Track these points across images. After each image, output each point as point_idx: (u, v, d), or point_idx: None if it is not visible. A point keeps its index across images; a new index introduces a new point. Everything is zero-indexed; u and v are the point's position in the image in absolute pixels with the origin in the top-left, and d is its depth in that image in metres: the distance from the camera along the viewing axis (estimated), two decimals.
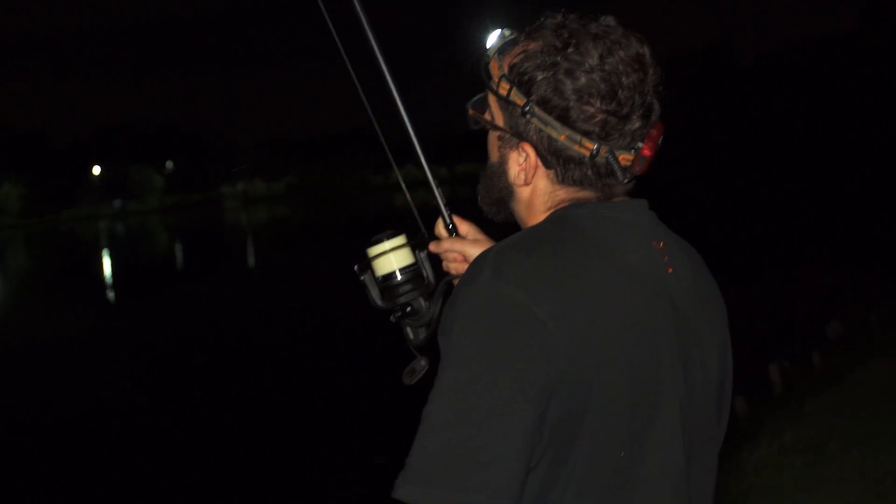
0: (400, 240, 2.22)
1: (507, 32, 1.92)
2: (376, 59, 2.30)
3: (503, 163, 1.93)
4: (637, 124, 1.79)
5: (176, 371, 16.71)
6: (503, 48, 1.90)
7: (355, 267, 2.25)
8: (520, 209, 1.96)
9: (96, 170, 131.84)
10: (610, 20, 1.81)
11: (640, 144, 1.82)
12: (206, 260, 44.55)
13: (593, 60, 1.75)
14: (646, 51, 1.80)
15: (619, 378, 1.68)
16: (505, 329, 1.62)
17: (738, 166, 65.87)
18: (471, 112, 2.00)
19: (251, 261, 43.45)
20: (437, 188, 2.31)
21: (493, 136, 1.96)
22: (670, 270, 1.84)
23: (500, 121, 1.91)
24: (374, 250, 2.22)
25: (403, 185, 2.49)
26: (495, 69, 1.88)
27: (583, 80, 1.75)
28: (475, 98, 2.00)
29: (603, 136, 1.78)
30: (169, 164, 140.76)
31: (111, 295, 32.20)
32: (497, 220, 2.05)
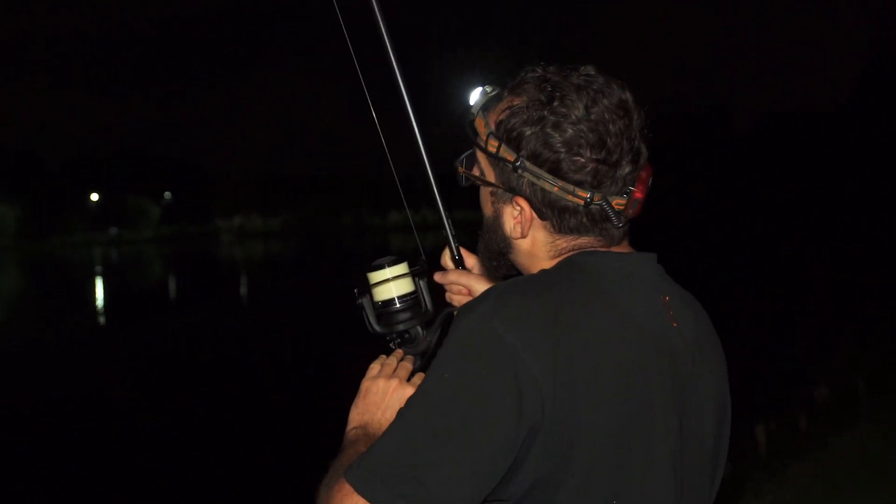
0: (401, 267, 2.22)
1: (488, 89, 1.94)
2: (404, 104, 2.29)
3: (498, 217, 1.95)
4: (627, 169, 1.82)
5: (159, 392, 16.65)
6: (486, 105, 1.92)
7: (355, 290, 2.25)
8: (521, 260, 1.98)
9: (94, 196, 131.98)
10: (590, 69, 1.84)
11: (632, 188, 1.85)
12: (198, 290, 44.47)
13: (579, 112, 1.77)
14: (628, 96, 1.83)
15: (607, 425, 1.69)
16: (487, 366, 1.64)
17: (732, 228, 65.90)
18: (460, 170, 2.03)
19: (243, 292, 43.43)
20: (447, 218, 2.30)
21: (485, 192, 1.99)
22: (674, 325, 1.86)
23: (490, 176, 1.93)
24: (374, 276, 2.22)
25: (409, 213, 2.47)
26: (481, 126, 1.91)
27: (570, 131, 1.77)
28: (463, 155, 2.03)
29: (595, 185, 1.80)
30: (167, 195, 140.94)
31: (102, 319, 32.08)
32: (498, 274, 2.09)
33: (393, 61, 2.27)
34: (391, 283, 2.21)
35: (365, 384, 2.12)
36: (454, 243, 2.29)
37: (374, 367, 2.14)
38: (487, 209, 1.99)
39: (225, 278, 52.01)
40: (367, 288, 2.23)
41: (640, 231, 2.04)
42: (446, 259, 2.31)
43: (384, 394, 2.07)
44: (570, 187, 1.81)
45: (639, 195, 1.86)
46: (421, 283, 2.27)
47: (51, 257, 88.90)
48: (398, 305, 2.20)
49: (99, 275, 60.89)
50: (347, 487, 1.64)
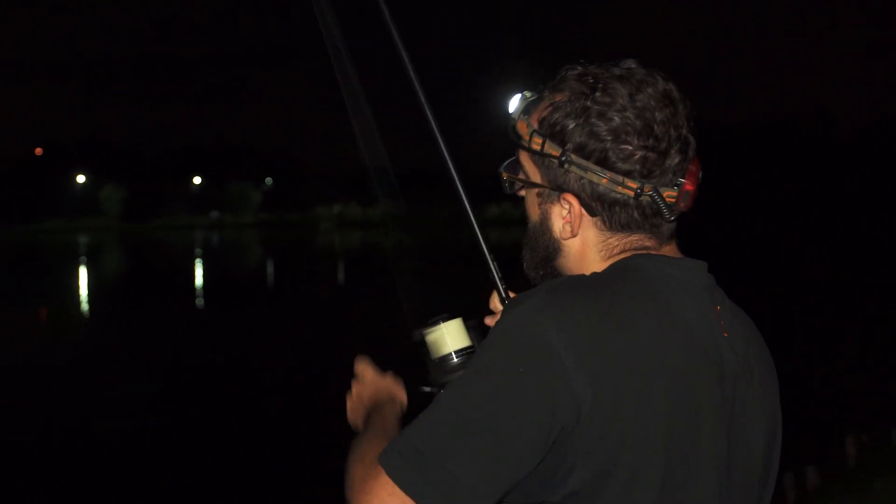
0: (456, 324, 2.19)
1: (527, 94, 1.89)
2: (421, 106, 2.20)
3: (546, 219, 1.89)
4: (676, 159, 1.76)
5: (252, 378, 16.84)
6: (527, 108, 1.86)
7: (416, 342, 2.24)
8: (570, 264, 1.90)
9: (196, 180, 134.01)
10: (631, 63, 1.79)
11: (682, 180, 1.79)
12: (294, 277, 44.76)
13: (623, 100, 1.73)
14: (672, 87, 1.78)
15: (653, 432, 1.64)
16: (525, 362, 1.61)
17: (837, 236, 64.74)
18: (504, 175, 1.96)
19: (339, 279, 43.65)
20: (493, 262, 2.16)
21: (531, 196, 1.92)
22: (725, 335, 1.79)
23: (536, 178, 1.87)
24: (430, 335, 2.20)
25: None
26: (524, 128, 1.84)
27: (616, 119, 1.72)
28: (507, 162, 1.96)
29: (645, 174, 1.75)
30: (268, 181, 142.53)
31: (200, 302, 32.50)
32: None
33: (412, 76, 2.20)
34: (447, 338, 2.18)
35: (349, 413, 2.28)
36: (502, 286, 2.17)
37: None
38: (534, 213, 1.92)
39: (321, 266, 52.26)
40: (425, 344, 2.22)
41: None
42: (495, 302, 2.19)
43: (356, 399, 2.28)
44: (619, 178, 1.74)
45: (690, 187, 1.80)
46: (478, 337, 2.19)
47: (151, 239, 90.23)
48: (455, 360, 2.16)
49: (199, 258, 61.58)
50: (378, 469, 1.65)
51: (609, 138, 1.73)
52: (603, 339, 1.63)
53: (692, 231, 1.92)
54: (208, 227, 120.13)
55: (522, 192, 1.95)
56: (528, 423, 1.59)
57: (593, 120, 1.74)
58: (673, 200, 1.79)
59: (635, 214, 1.79)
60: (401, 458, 1.63)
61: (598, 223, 1.82)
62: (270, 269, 52.72)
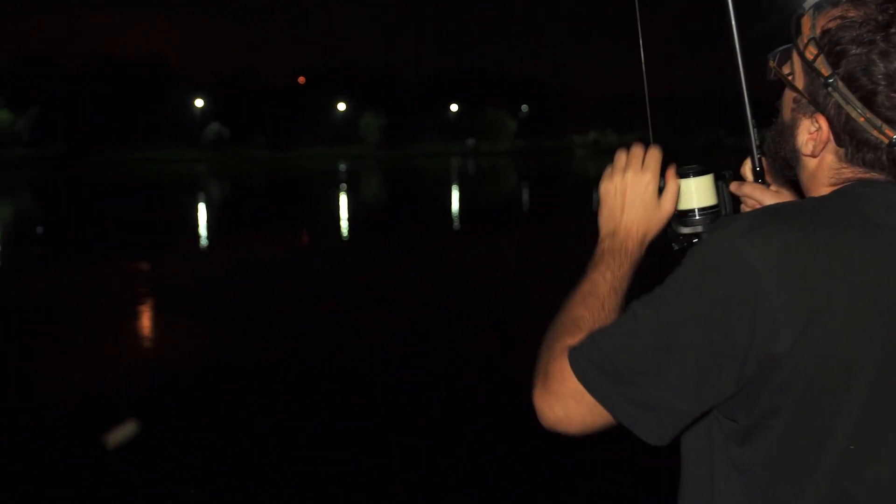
0: (706, 180, 2.13)
1: None
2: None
3: (794, 126, 1.82)
4: None
5: (507, 305, 16.39)
6: (821, 4, 1.74)
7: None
8: (803, 177, 1.87)
9: (454, 107, 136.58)
10: None
11: None
12: (549, 204, 44.97)
13: None
14: None
15: (853, 378, 1.58)
16: (724, 285, 1.59)
17: None
18: (771, 63, 1.87)
19: (594, 208, 43.66)
20: (753, 128, 2.15)
21: (789, 94, 1.84)
22: None
23: (799, 82, 1.78)
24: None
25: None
26: (807, 26, 1.75)
27: None
28: (779, 49, 1.87)
29: None
30: (524, 108, 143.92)
31: (456, 227, 33.04)
32: (777, 174, 2.04)
33: None
34: (693, 193, 2.12)
35: (602, 187, 2.14)
36: (756, 154, 2.16)
37: (611, 165, 2.15)
38: (786, 113, 1.86)
39: (575, 194, 52.28)
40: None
41: None
42: (746, 169, 2.20)
43: (622, 193, 2.10)
44: (878, 122, 1.64)
45: None
46: (726, 196, 2.16)
47: (410, 166, 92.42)
48: (697, 217, 2.11)
49: (455, 183, 62.69)
50: (569, 370, 1.69)
51: (882, 82, 1.63)
52: (810, 269, 1.58)
53: None
54: (464, 154, 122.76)
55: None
56: (726, 342, 1.58)
57: (874, 57, 1.63)
58: None
59: (883, 158, 1.69)
60: (592, 366, 1.67)
61: (841, 153, 1.75)
62: (525, 196, 53.13)
